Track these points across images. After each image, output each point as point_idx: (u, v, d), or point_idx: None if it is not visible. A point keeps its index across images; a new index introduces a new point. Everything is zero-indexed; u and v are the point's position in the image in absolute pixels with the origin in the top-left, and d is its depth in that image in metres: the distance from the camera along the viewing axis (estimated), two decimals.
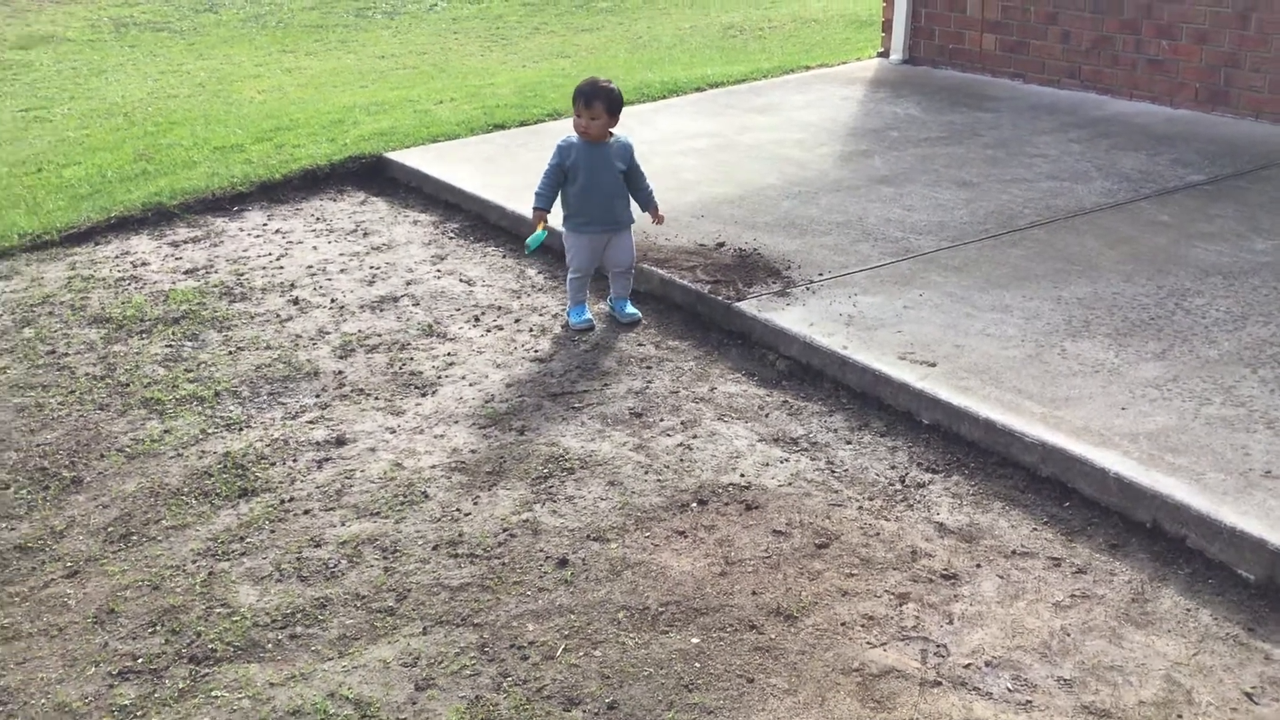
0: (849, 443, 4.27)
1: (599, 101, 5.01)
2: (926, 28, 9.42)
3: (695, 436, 4.34)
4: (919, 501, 3.90)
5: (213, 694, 3.10)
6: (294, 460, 4.26)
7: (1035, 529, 3.73)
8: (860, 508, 3.88)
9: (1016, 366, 4.44)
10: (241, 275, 6.04)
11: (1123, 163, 6.81)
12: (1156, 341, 4.60)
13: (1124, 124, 7.61)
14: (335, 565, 3.64)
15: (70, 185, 7.51)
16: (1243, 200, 6.10)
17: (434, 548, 3.71)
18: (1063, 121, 7.72)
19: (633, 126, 7.95)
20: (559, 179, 5.15)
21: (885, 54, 9.79)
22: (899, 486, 3.99)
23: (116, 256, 6.40)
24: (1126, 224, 5.84)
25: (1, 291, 5.95)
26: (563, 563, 3.62)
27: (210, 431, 4.48)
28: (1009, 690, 3.06)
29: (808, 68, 9.70)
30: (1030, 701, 3.02)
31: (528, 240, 5.12)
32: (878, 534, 3.73)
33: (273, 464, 4.24)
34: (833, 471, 4.09)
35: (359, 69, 11.65)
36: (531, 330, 5.28)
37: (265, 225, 6.80)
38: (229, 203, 7.14)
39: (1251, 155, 6.84)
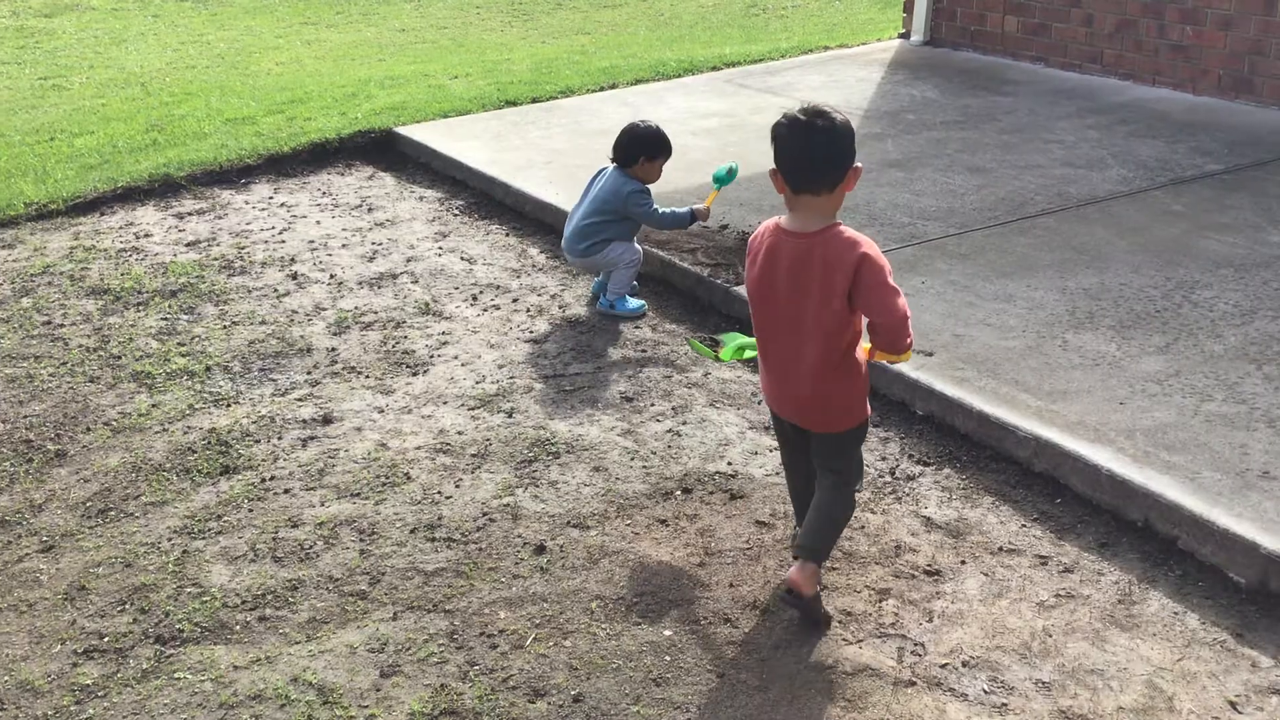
0: None
1: (661, 157, 5.15)
2: (949, 9, 9.26)
3: (685, 423, 4.28)
4: (908, 494, 3.82)
5: (175, 675, 3.07)
6: (279, 438, 4.23)
7: (1024, 526, 3.65)
8: None
9: (1015, 358, 4.35)
10: (242, 249, 6.01)
11: (1140, 150, 6.66)
12: (1161, 335, 4.49)
13: (1144, 110, 7.46)
14: (311, 546, 3.60)
15: (81, 155, 7.50)
16: (1261, 191, 5.96)
17: (411, 531, 3.67)
18: (1081, 107, 7.57)
19: (644, 105, 7.87)
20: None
21: (906, 35, 9.64)
22: (889, 478, 3.92)
23: (121, 227, 6.38)
24: (1139, 213, 5.72)
25: (3, 260, 5.94)
26: (540, 549, 3.57)
27: (198, 407, 4.45)
28: (985, 692, 2.99)
29: (826, 48, 9.57)
30: (1006, 705, 2.95)
31: (715, 174, 5.16)
32: (863, 527, 3.65)
33: (257, 441, 4.20)
34: None
35: (378, 42, 11.59)
36: (529, 310, 5.22)
37: (271, 199, 6.76)
38: (236, 175, 7.11)
39: (1272, 145, 6.67)
